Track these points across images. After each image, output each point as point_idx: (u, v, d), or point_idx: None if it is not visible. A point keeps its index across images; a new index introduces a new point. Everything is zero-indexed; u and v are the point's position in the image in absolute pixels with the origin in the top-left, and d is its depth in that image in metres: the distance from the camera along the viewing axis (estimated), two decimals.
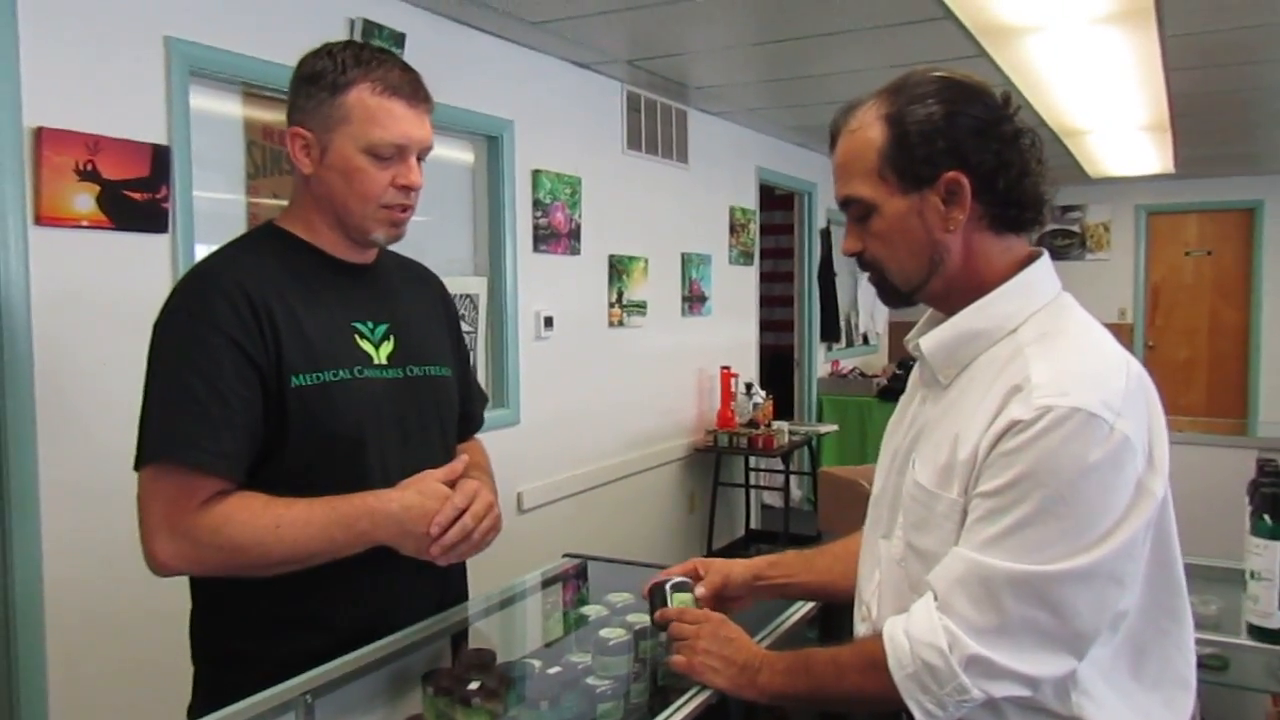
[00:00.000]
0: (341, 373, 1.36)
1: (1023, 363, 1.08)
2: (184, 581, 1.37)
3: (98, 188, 2.32)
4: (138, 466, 1.27)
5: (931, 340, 1.18)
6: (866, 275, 1.22)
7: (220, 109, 2.75)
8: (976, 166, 1.11)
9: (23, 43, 2.19)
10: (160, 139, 2.47)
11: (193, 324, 1.29)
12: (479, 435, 1.75)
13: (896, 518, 1.20)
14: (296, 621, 1.35)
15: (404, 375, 1.45)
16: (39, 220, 2.22)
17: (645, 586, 1.42)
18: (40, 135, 2.21)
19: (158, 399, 1.27)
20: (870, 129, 1.14)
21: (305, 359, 1.33)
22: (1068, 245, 8.46)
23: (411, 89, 1.38)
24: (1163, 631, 1.12)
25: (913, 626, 1.08)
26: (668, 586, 1.39)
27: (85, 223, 2.30)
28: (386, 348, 1.44)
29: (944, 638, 1.04)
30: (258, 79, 2.76)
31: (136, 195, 2.40)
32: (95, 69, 2.36)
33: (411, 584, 1.43)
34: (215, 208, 2.69)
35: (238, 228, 2.69)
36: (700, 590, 1.42)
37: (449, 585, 1.54)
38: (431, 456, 1.43)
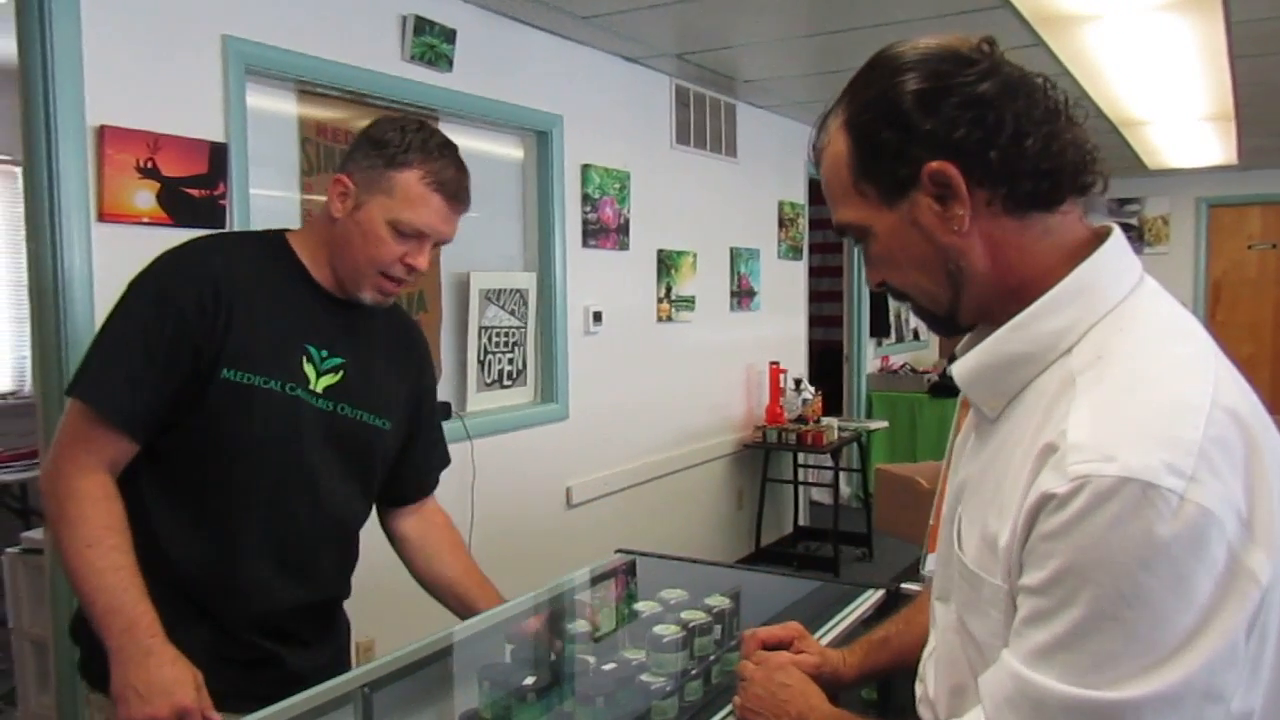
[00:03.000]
0: (271, 383, 1.42)
1: (1068, 404, 0.85)
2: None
3: (158, 185, 2.36)
4: (67, 393, 1.40)
5: (965, 367, 0.97)
6: (910, 309, 1.03)
7: (275, 107, 2.78)
8: (960, 145, 0.89)
9: (86, 43, 2.24)
10: (218, 137, 2.50)
11: (158, 295, 1.39)
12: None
13: (954, 578, 1.00)
14: (186, 613, 1.40)
15: (332, 410, 1.49)
16: (101, 217, 2.27)
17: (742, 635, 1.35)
18: (103, 134, 2.26)
19: (101, 344, 1.40)
20: (835, 142, 0.96)
21: (244, 357, 1.40)
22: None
23: (455, 188, 1.46)
24: None
25: None
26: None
27: (145, 219, 2.35)
28: (328, 379, 1.48)
29: None
30: (312, 76, 2.79)
31: (195, 192, 2.44)
32: (155, 68, 2.40)
33: (297, 611, 1.50)
34: (270, 204, 2.72)
35: (292, 225, 2.72)
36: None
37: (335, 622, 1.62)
38: (331, 493, 1.50)
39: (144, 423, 1.37)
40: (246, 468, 1.42)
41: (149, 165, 2.34)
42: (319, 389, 1.47)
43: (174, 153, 2.39)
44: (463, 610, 1.61)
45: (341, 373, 1.49)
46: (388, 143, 1.43)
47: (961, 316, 0.98)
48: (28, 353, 4.93)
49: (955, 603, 0.98)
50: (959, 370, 0.98)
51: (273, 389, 1.42)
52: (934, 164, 0.90)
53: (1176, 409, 0.80)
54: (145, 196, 2.34)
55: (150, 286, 1.41)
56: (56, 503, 1.34)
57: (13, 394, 5.01)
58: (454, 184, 1.45)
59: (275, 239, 1.53)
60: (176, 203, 2.40)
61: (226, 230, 1.55)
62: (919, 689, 1.10)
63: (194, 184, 2.44)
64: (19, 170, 4.80)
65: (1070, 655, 0.79)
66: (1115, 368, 0.85)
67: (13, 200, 4.95)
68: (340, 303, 1.51)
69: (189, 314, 1.37)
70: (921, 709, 1.08)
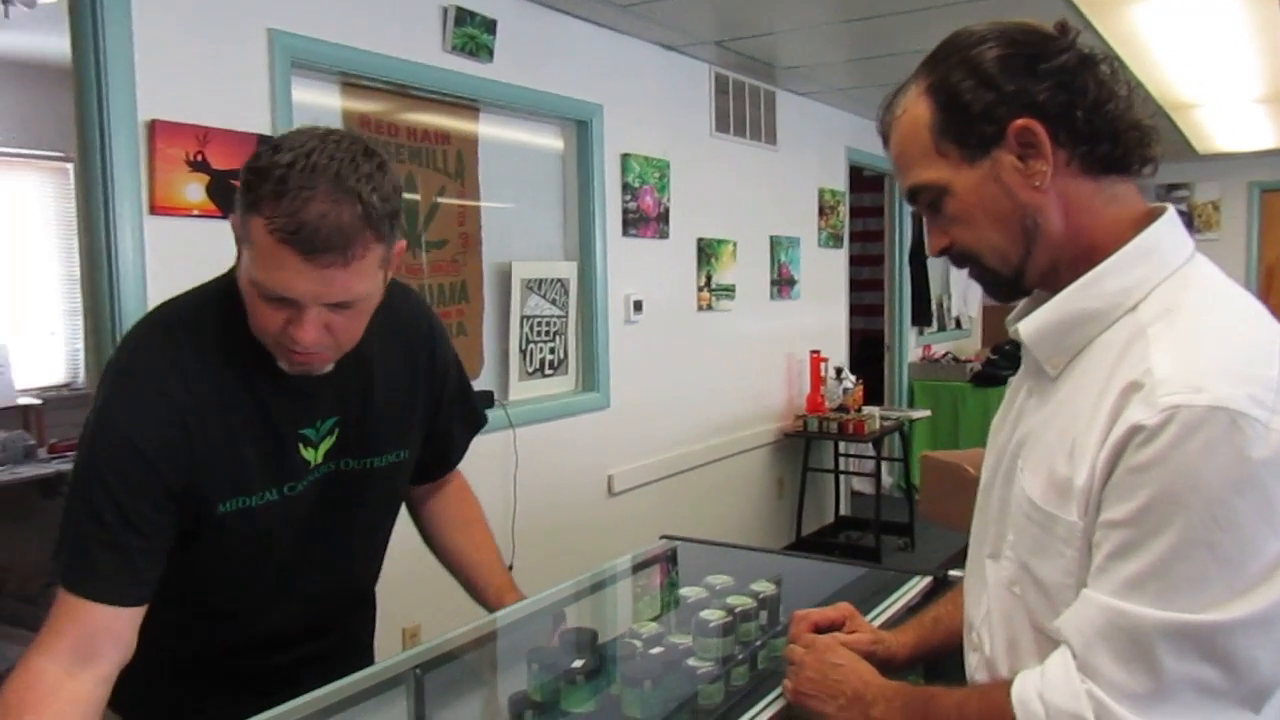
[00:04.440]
0: (268, 494, 1.25)
1: (1142, 349, 0.89)
2: None
3: (207, 177, 2.40)
4: (53, 579, 1.17)
5: (1033, 324, 1.00)
6: (967, 271, 1.06)
7: (320, 100, 2.82)
8: (1045, 105, 0.94)
9: (137, 40, 2.28)
10: (265, 129, 2.54)
11: (123, 451, 1.15)
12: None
13: (1005, 535, 1.03)
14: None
15: (334, 469, 1.32)
16: (153, 210, 2.31)
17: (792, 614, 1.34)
18: (154, 128, 2.30)
19: (73, 516, 1.16)
20: (915, 107, 1.00)
21: (237, 486, 1.22)
22: None
23: (312, 236, 1.06)
24: None
25: (1050, 691, 0.90)
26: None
27: (196, 211, 2.39)
28: (327, 443, 1.30)
29: (1089, 707, 0.87)
30: (355, 68, 2.82)
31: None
32: (203, 63, 2.44)
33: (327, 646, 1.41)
34: None
35: None
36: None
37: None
38: (340, 545, 1.38)
39: (147, 584, 1.17)
40: (250, 568, 1.29)
41: (198, 158, 2.38)
42: (319, 459, 1.29)
43: (223, 146, 2.43)
44: (468, 584, 1.55)
45: (337, 430, 1.30)
46: (247, 182, 1.10)
47: (1028, 276, 1.01)
48: (80, 345, 5.05)
49: (1015, 553, 1.00)
50: (1026, 327, 1.00)
51: (270, 500, 1.25)
52: (1020, 121, 0.94)
53: (1253, 350, 0.87)
54: (195, 189, 2.39)
55: (112, 441, 1.15)
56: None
57: (66, 385, 5.12)
58: (311, 231, 1.05)
59: (221, 300, 1.23)
60: (226, 195, 2.43)
61: (169, 309, 1.26)
62: (974, 658, 1.10)
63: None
64: (70, 166, 4.92)
65: (1162, 582, 0.83)
66: (1188, 317, 0.90)
67: (63, 196, 5.07)
68: None
69: (162, 468, 1.15)
70: (978, 674, 1.09)
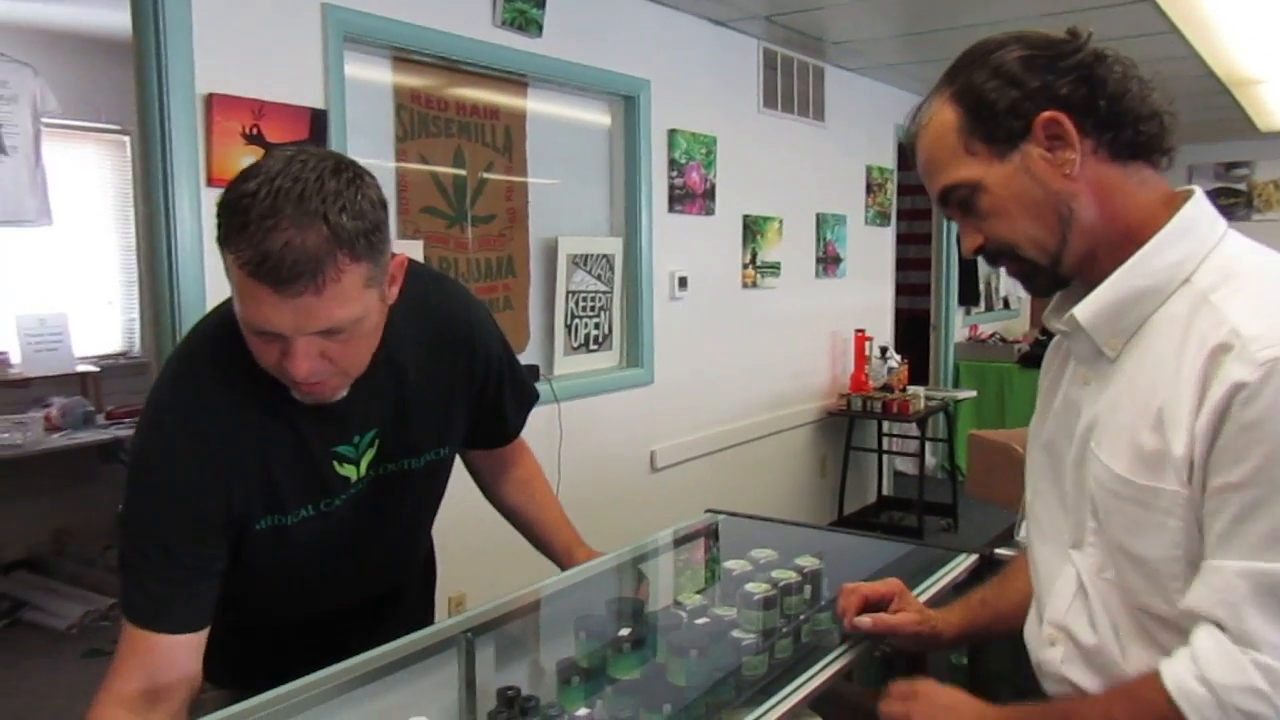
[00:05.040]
0: (304, 510, 1.25)
1: (1214, 314, 0.92)
2: None
3: (262, 150, 2.44)
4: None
5: (1089, 308, 1.01)
6: (1004, 269, 1.08)
7: (371, 75, 2.84)
8: (1069, 98, 0.98)
9: (195, 15, 2.32)
10: (318, 103, 2.57)
11: (162, 490, 1.17)
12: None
13: (1086, 522, 1.03)
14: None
15: (376, 475, 1.32)
16: (210, 182, 2.36)
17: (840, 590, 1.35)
18: (211, 102, 2.34)
19: (125, 557, 1.20)
20: (941, 114, 1.04)
21: (271, 505, 1.23)
22: (1233, 204, 7.89)
23: (277, 268, 1.01)
24: None
25: (1210, 670, 0.88)
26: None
27: (212, 340, 2.41)
28: (369, 455, 1.30)
29: (1260, 677, 0.86)
30: (406, 43, 2.84)
31: None
32: (259, 37, 2.47)
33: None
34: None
35: (388, 190, 2.78)
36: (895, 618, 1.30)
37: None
38: (379, 543, 1.38)
39: (202, 614, 1.20)
40: (299, 585, 1.33)
41: (254, 131, 2.42)
42: (362, 472, 1.30)
43: (277, 119, 2.46)
44: (536, 542, 1.59)
45: (378, 442, 1.30)
46: (221, 208, 1.07)
47: (1065, 265, 1.03)
48: (136, 315, 5.16)
49: (1102, 538, 1.01)
50: (1083, 312, 1.02)
51: (307, 517, 1.26)
52: (1046, 114, 0.98)
53: None
54: (251, 161, 2.42)
55: (151, 489, 1.18)
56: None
57: (123, 354, 5.24)
58: (276, 261, 1.01)
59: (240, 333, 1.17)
60: None
61: (195, 339, 1.29)
62: (1055, 652, 1.08)
63: None
64: (127, 139, 5.02)
65: None
66: (1252, 280, 0.94)
67: (121, 168, 5.17)
68: None
69: (200, 507, 1.17)
70: (1070, 669, 1.07)
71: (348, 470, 1.28)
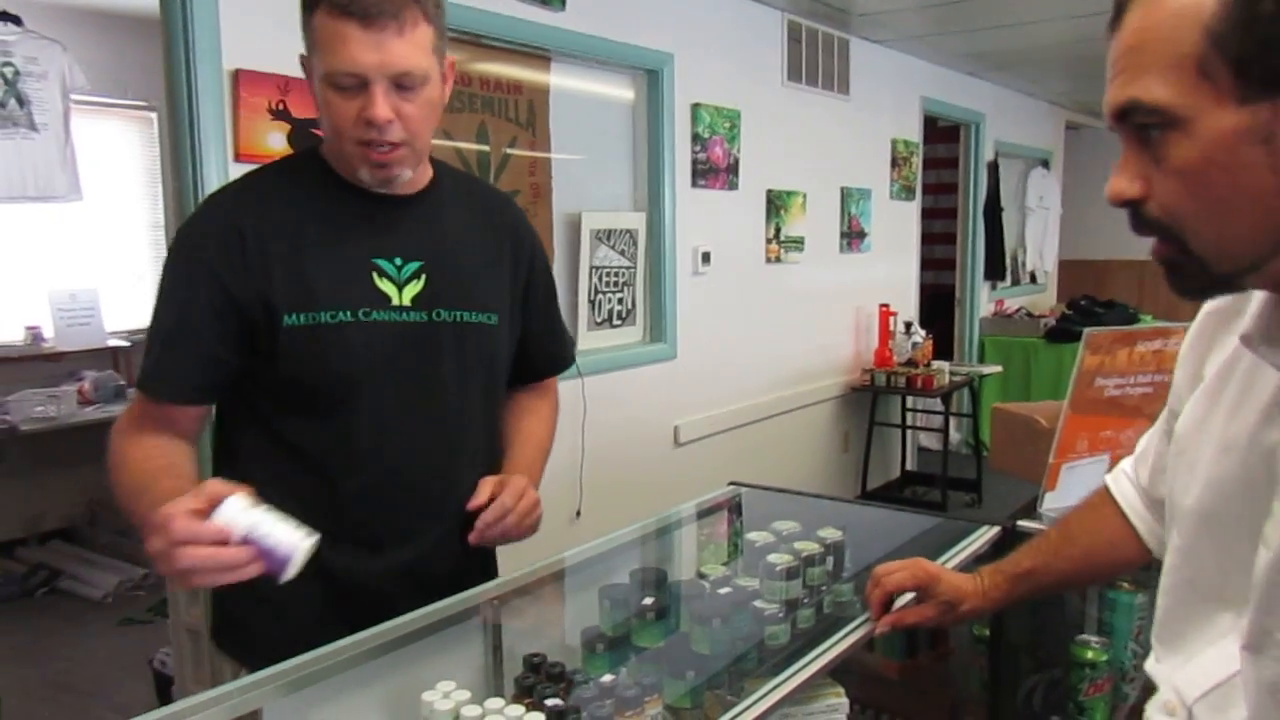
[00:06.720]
0: (341, 314, 1.27)
1: None
2: None
3: (288, 126, 2.46)
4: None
5: None
6: (1154, 245, 0.76)
7: None
8: None
9: None
10: None
11: (180, 260, 1.29)
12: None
13: (1272, 630, 0.77)
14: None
15: (429, 319, 1.33)
16: (238, 157, 2.38)
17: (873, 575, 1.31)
18: (238, 78, 2.36)
19: (149, 328, 1.31)
20: None
21: (301, 298, 1.26)
22: None
23: (365, 6, 1.17)
24: None
25: None
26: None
27: (278, 159, 2.44)
28: (413, 288, 1.33)
29: None
30: None
31: (322, 133, 2.53)
32: (284, 13, 2.46)
33: (435, 550, 1.38)
34: None
35: None
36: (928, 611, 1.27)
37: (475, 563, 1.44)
38: (450, 407, 1.37)
39: (203, 387, 1.30)
40: (339, 409, 1.30)
41: (280, 107, 2.44)
42: (405, 301, 1.32)
43: (303, 95, 2.48)
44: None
45: (424, 276, 1.33)
46: None
47: (1249, 279, 0.76)
48: None
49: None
50: None
51: (344, 321, 1.27)
52: None
53: None
54: (277, 137, 2.44)
55: (171, 256, 1.31)
56: (108, 454, 1.28)
57: None
58: (366, 1, 1.17)
59: (309, 156, 1.37)
60: (306, 142, 2.48)
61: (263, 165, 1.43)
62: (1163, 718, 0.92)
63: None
64: (154, 115, 5.05)
65: None
66: None
67: (149, 144, 5.21)
68: (397, 200, 1.34)
69: (216, 264, 1.25)
70: None
71: (387, 287, 1.32)
